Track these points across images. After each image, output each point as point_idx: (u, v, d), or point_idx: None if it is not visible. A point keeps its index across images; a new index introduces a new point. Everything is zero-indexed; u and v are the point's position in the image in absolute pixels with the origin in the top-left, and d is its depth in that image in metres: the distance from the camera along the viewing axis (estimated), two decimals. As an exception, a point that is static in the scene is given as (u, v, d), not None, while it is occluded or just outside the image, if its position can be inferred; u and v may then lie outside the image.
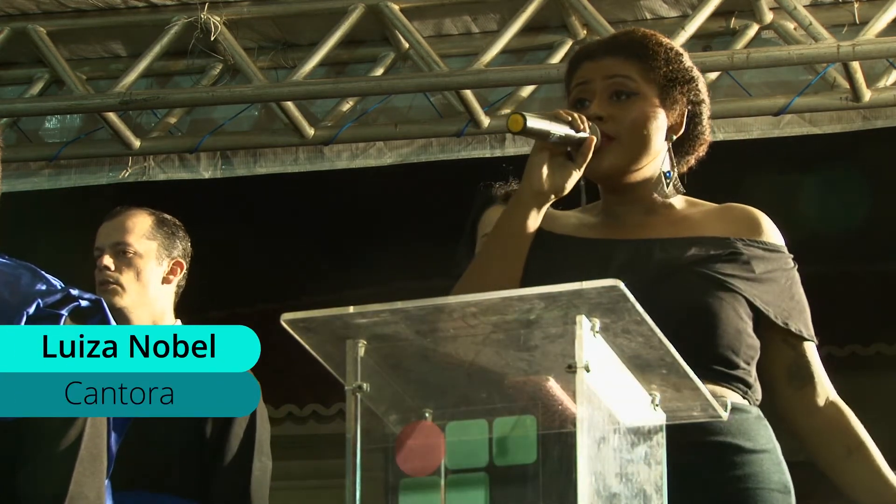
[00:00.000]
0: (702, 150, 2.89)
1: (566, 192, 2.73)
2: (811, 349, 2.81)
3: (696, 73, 2.86)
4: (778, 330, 2.76)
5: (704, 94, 2.87)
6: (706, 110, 2.87)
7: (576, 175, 2.71)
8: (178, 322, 4.35)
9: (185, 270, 4.34)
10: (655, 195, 2.81)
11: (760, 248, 2.77)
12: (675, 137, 2.81)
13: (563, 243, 2.80)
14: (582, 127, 2.69)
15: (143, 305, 4.25)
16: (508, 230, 2.76)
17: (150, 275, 4.25)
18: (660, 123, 2.78)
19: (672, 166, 2.81)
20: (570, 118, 2.68)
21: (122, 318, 4.24)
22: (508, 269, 2.74)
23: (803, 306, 2.81)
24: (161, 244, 4.29)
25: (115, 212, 4.34)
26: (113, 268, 4.21)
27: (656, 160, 2.79)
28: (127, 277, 4.22)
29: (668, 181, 2.79)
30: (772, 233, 2.81)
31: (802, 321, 2.79)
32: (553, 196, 2.73)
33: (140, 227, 4.27)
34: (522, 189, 2.74)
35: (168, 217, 4.36)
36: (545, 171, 2.70)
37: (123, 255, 4.23)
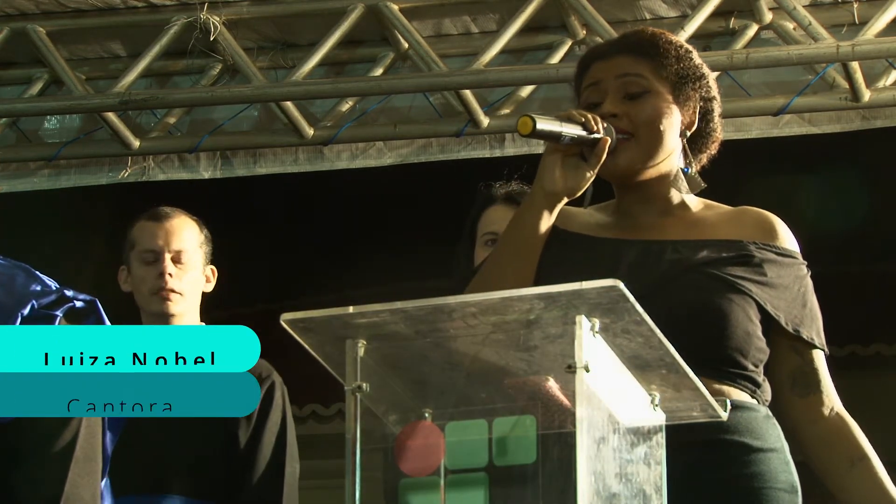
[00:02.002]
0: (714, 148, 2.88)
1: (579, 193, 2.72)
2: (819, 358, 2.79)
3: (705, 70, 2.86)
4: (787, 335, 2.75)
5: (715, 91, 2.87)
6: (717, 107, 2.87)
7: (590, 176, 2.70)
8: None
9: (216, 276, 4.38)
10: (671, 192, 2.80)
11: (774, 252, 2.76)
12: (689, 134, 2.81)
13: (577, 242, 2.79)
14: (595, 128, 2.67)
15: (191, 313, 4.30)
16: (521, 231, 2.75)
17: (197, 284, 4.33)
18: (674, 120, 2.78)
19: (688, 162, 2.80)
20: (583, 119, 2.67)
21: (166, 323, 4.26)
22: (521, 269, 2.73)
23: (816, 314, 2.80)
24: (205, 253, 4.34)
25: (167, 214, 4.34)
26: (172, 275, 4.24)
27: (671, 157, 2.78)
28: (185, 286, 4.26)
29: (685, 175, 2.79)
30: (787, 238, 2.80)
31: (815, 329, 2.78)
32: (566, 197, 2.72)
33: (196, 237, 4.32)
34: (535, 190, 2.74)
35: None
36: (558, 172, 2.70)
37: (180, 263, 4.25)
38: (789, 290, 2.76)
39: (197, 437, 4.11)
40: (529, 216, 2.74)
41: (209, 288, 4.36)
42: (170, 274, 4.23)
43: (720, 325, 2.66)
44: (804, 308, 2.77)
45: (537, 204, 2.73)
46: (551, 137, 2.66)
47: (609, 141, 2.68)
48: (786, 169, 5.99)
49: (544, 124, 2.63)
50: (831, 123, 5.04)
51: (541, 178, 2.72)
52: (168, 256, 4.26)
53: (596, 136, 2.67)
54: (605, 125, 2.70)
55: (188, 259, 4.27)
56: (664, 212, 2.81)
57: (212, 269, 4.36)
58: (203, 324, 4.38)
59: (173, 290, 4.23)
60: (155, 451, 4.07)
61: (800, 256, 2.81)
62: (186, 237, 4.30)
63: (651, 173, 2.78)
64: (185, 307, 4.27)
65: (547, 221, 2.73)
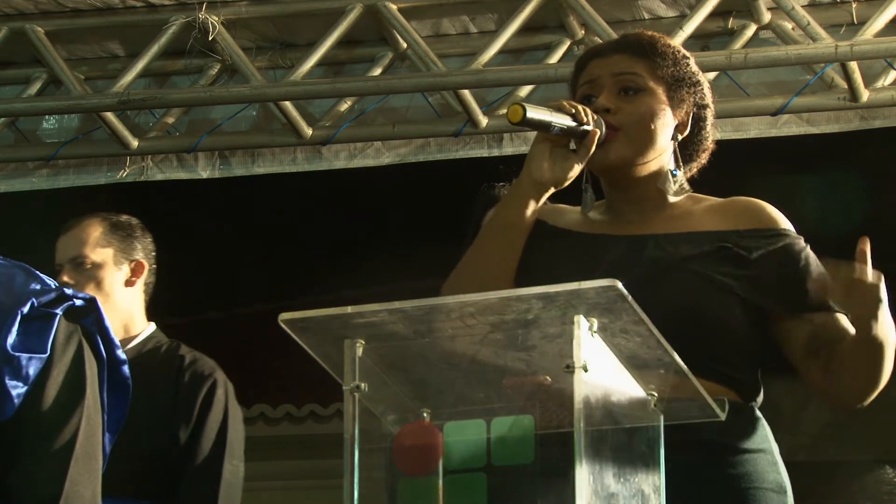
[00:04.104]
0: (704, 157, 2.89)
1: (566, 183, 2.73)
2: (834, 318, 2.70)
3: (702, 77, 2.87)
4: (785, 317, 2.71)
5: (709, 100, 2.87)
6: (711, 115, 2.87)
7: (577, 167, 2.71)
8: (151, 325, 4.34)
9: (148, 269, 4.33)
10: (660, 194, 2.79)
11: (759, 236, 2.74)
12: (680, 137, 2.81)
13: (562, 237, 2.80)
14: (586, 119, 2.68)
15: (111, 312, 4.23)
16: (505, 219, 2.76)
17: (111, 282, 4.25)
18: (667, 120, 2.78)
19: (678, 165, 2.80)
20: (573, 110, 2.68)
21: None
22: (504, 257, 2.74)
23: (817, 280, 2.70)
24: (117, 248, 4.28)
25: (68, 225, 4.32)
26: (73, 282, 4.20)
27: (661, 157, 2.79)
28: (89, 289, 4.20)
29: (673, 179, 2.79)
30: (773, 219, 2.77)
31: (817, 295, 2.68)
32: (553, 187, 2.73)
33: (93, 237, 4.26)
34: (522, 178, 2.74)
35: (123, 219, 4.35)
36: (546, 161, 2.71)
37: (81, 268, 4.23)
38: (777, 272, 2.72)
39: (139, 438, 4.10)
40: (515, 203, 2.75)
41: (136, 282, 4.28)
42: (67, 283, 4.20)
43: (701, 323, 2.65)
44: (809, 278, 2.71)
45: (524, 192, 2.74)
46: (541, 126, 2.67)
47: (598, 133, 2.69)
48: (784, 169, 6.00)
49: (534, 113, 2.64)
50: (830, 123, 5.04)
51: (528, 167, 2.73)
52: (67, 265, 4.24)
53: (586, 127, 2.68)
54: (596, 118, 2.71)
55: (89, 261, 4.22)
56: (652, 208, 2.81)
57: (138, 264, 4.28)
58: (150, 323, 4.34)
59: None
60: None
61: (791, 232, 2.77)
62: (82, 240, 4.25)
63: (640, 171, 2.78)
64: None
65: (532, 210, 2.74)
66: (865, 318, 2.59)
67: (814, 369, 2.72)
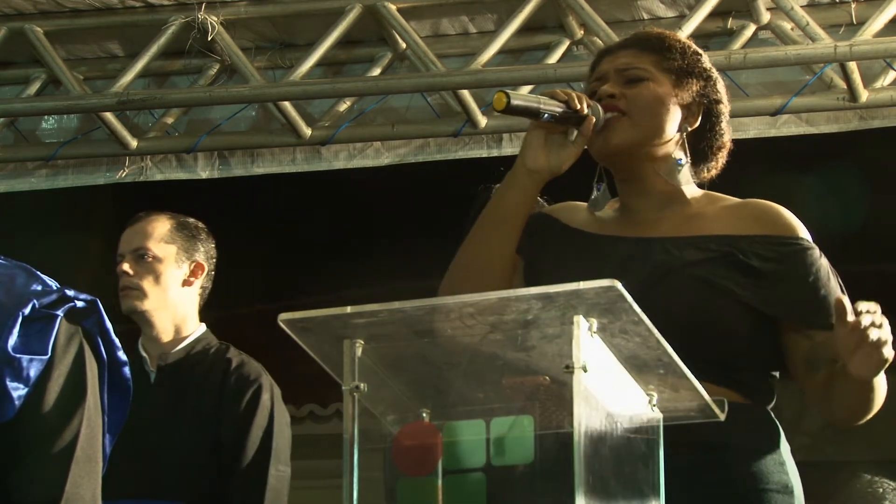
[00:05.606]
0: (721, 157, 2.87)
1: (562, 171, 2.71)
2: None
3: (714, 73, 2.84)
4: (790, 326, 2.71)
5: (723, 96, 2.85)
6: (725, 112, 2.85)
7: (574, 155, 2.70)
8: (202, 326, 4.37)
9: (207, 272, 4.37)
10: (669, 182, 2.77)
11: (771, 243, 2.72)
12: (689, 129, 2.80)
13: (572, 237, 2.80)
14: (579, 106, 2.67)
15: (164, 309, 4.28)
16: (501, 208, 2.75)
17: (169, 278, 4.29)
18: (672, 108, 2.77)
19: (685, 156, 2.79)
20: (566, 97, 2.67)
21: (144, 321, 4.28)
22: (499, 246, 2.73)
23: (826, 294, 2.71)
24: (180, 247, 4.32)
25: (136, 217, 4.38)
26: (132, 273, 4.25)
27: (667, 146, 2.77)
28: (147, 282, 4.26)
29: (679, 168, 2.77)
30: (789, 226, 2.76)
31: (824, 311, 2.69)
32: (548, 175, 2.72)
33: (159, 232, 4.31)
34: (516, 167, 2.74)
35: (190, 220, 4.40)
36: (540, 149, 2.70)
37: (142, 260, 4.27)
38: (787, 280, 2.70)
39: (185, 442, 4.12)
40: (510, 192, 2.74)
41: (194, 282, 4.33)
42: (125, 272, 4.25)
43: (701, 329, 2.63)
44: (816, 293, 2.71)
45: (518, 180, 2.73)
46: (528, 114, 2.65)
47: (595, 120, 2.68)
48: (783, 169, 5.99)
49: (520, 101, 2.62)
50: (829, 123, 5.04)
51: (522, 154, 2.72)
52: (128, 256, 4.27)
53: (578, 114, 2.67)
54: (592, 105, 2.69)
55: (151, 254, 4.27)
56: (662, 205, 2.80)
57: (198, 265, 4.33)
58: (201, 324, 4.38)
59: (128, 287, 4.26)
60: (144, 457, 4.07)
61: (805, 242, 2.75)
62: (148, 233, 4.30)
63: (645, 158, 2.76)
64: (154, 304, 4.25)
65: (527, 198, 2.73)
66: (866, 376, 2.59)
67: (810, 385, 2.72)
